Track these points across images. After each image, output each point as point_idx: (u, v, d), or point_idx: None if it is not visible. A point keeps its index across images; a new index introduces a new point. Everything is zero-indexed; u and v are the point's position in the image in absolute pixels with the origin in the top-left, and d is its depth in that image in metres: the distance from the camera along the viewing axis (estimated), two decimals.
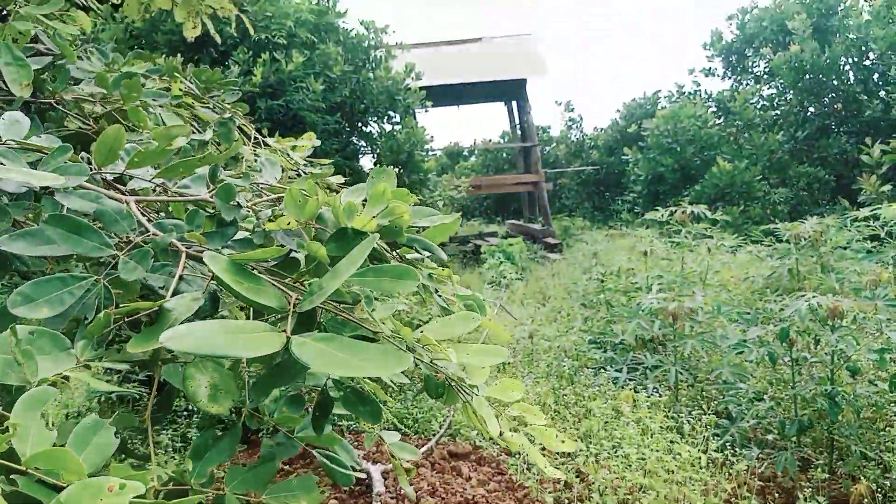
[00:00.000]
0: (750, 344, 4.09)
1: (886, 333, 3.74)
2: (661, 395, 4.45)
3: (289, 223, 1.13)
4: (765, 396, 4.38)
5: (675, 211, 6.18)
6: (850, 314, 3.94)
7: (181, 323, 0.93)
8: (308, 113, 8.98)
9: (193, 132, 2.34)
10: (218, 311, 1.06)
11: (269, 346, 0.84)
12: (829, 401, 3.80)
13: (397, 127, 10.83)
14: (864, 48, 14.39)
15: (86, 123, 1.68)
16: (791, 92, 15.80)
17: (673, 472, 3.40)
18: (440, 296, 1.27)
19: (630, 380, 5.05)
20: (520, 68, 20.25)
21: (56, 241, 0.99)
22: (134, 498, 0.64)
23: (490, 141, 30.09)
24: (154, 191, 1.40)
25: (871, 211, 5.46)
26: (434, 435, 4.53)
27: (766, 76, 17.64)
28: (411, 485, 3.46)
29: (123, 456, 1.27)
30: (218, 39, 2.91)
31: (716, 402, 4.53)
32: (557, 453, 3.98)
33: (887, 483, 3.56)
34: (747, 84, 18.13)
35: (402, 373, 1.71)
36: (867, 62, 14.65)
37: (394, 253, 1.29)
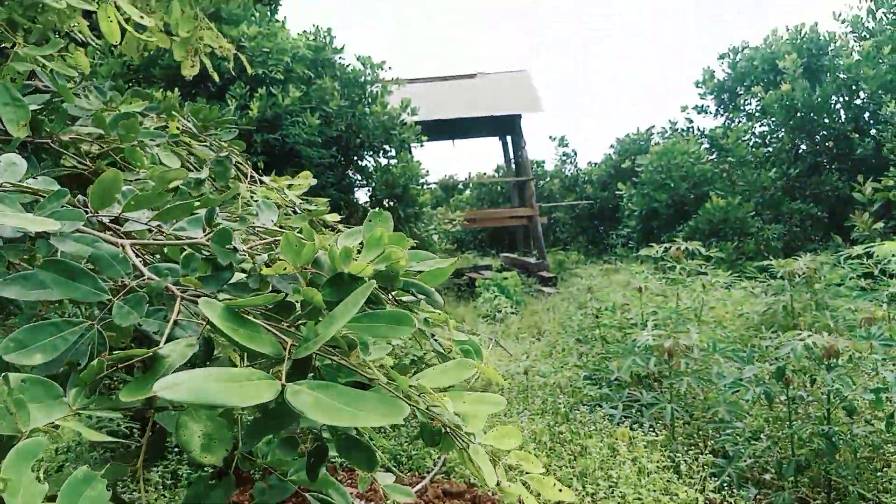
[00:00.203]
0: (746, 382, 4.07)
1: (882, 373, 3.73)
2: (657, 434, 4.42)
3: (285, 268, 1.12)
4: (761, 435, 4.36)
5: (670, 247, 6.20)
6: (845, 353, 3.94)
7: (175, 370, 0.92)
8: (304, 147, 9.03)
9: (191, 169, 2.35)
10: (212, 356, 1.05)
11: (263, 395, 0.84)
12: (826, 441, 3.77)
13: (393, 161, 10.89)
14: (854, 87, 14.58)
15: (82, 163, 1.68)
16: (783, 130, 15.97)
17: None
18: (437, 340, 1.27)
19: (626, 417, 5.02)
20: (514, 104, 20.46)
21: (50, 285, 0.98)
22: None
23: (485, 175, 30.29)
24: (150, 232, 1.40)
25: (865, 248, 5.49)
26: (428, 472, 4.47)
27: (757, 114, 17.84)
28: None
29: None
30: (216, 77, 2.93)
31: (712, 441, 4.50)
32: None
33: None
34: (739, 122, 18.33)
35: None
36: (858, 101, 14.84)
37: (389, 295, 1.29)
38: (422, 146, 11.79)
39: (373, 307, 1.25)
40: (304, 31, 10.37)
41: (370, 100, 10.61)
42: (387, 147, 10.97)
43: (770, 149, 16.91)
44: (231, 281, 1.18)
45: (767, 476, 4.15)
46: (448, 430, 1.07)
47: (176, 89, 7.91)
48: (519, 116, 20.66)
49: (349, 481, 4.43)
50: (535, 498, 1.08)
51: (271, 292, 1.19)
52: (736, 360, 4.37)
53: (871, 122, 14.36)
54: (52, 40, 1.69)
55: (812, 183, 15.13)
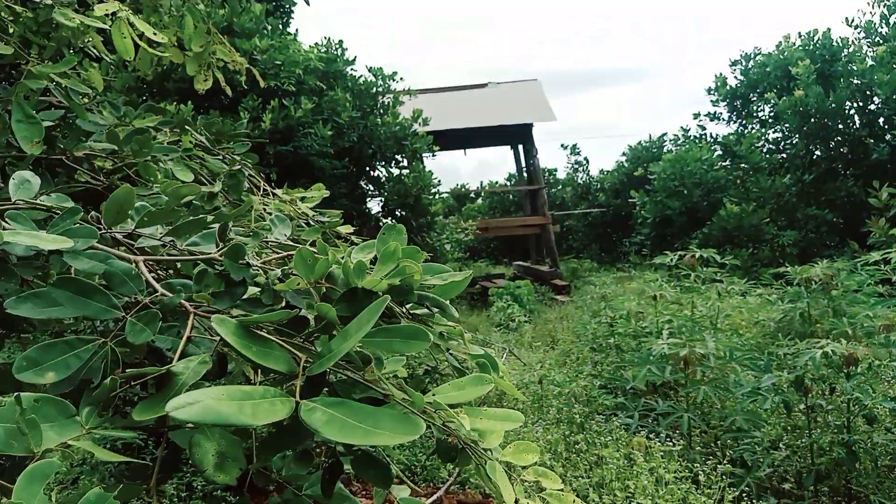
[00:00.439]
0: (764, 391, 4.03)
1: None
2: (673, 444, 4.37)
3: (298, 284, 1.12)
4: (780, 444, 4.30)
5: (684, 255, 6.17)
6: (864, 361, 3.89)
7: (189, 388, 0.91)
8: (316, 158, 9.06)
9: (205, 182, 2.35)
10: (226, 372, 1.04)
11: (277, 413, 0.83)
12: (846, 449, 3.72)
13: (405, 171, 10.89)
14: (868, 92, 14.48)
15: (96, 179, 1.69)
16: (796, 136, 15.87)
17: None
18: (452, 354, 1.25)
19: (642, 426, 4.97)
20: (526, 113, 20.46)
21: (63, 303, 0.98)
22: None
23: (497, 184, 30.31)
24: (164, 247, 1.39)
25: (882, 255, 5.43)
26: (443, 483, 4.45)
27: (771, 120, 17.74)
28: None
29: None
30: (229, 91, 2.94)
31: (730, 451, 4.45)
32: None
33: None
34: (753, 128, 18.23)
35: None
36: (872, 106, 14.73)
37: (403, 309, 1.28)
38: (434, 156, 11.80)
39: (387, 321, 1.24)
40: (316, 44, 10.43)
41: (382, 110, 10.63)
42: (399, 157, 10.99)
43: (784, 155, 16.82)
44: (244, 296, 1.18)
45: (787, 486, 4.09)
46: (464, 445, 1.06)
47: (189, 103, 7.98)
48: (530, 125, 20.65)
49: (364, 492, 4.41)
50: None
51: (285, 307, 1.19)
52: (753, 368, 4.32)
53: (886, 126, 14.25)
54: (66, 58, 1.70)
55: (827, 189, 15.02)
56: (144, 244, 1.28)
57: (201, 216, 1.25)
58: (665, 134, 23.50)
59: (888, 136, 13.70)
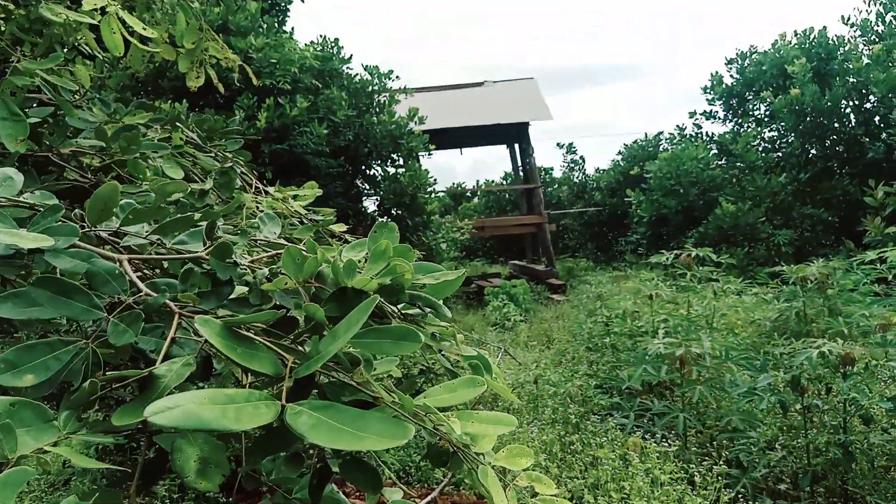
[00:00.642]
0: (760, 391, 4.01)
1: None
2: (669, 444, 4.36)
3: (286, 283, 1.09)
4: (776, 445, 4.29)
5: (680, 254, 6.15)
6: (861, 361, 3.87)
7: (171, 391, 0.88)
8: (312, 157, 9.02)
9: (196, 180, 2.32)
10: (212, 374, 1.01)
11: (262, 417, 0.80)
12: (843, 450, 3.71)
13: (401, 170, 10.87)
14: (864, 91, 14.48)
15: (84, 176, 1.66)
16: (792, 134, 15.86)
17: None
18: (444, 355, 1.23)
19: (637, 426, 4.96)
20: (522, 112, 20.42)
21: (43, 303, 0.95)
22: None
23: (493, 183, 30.29)
24: (152, 245, 1.37)
25: (878, 254, 5.42)
26: (437, 484, 4.42)
27: (766, 119, 17.74)
28: None
29: None
30: (222, 89, 2.91)
31: (726, 451, 4.43)
32: None
33: None
34: (748, 126, 18.23)
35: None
36: (868, 105, 14.73)
37: (395, 309, 1.25)
38: (430, 155, 11.77)
39: (378, 322, 1.21)
40: (312, 42, 10.40)
41: (378, 109, 10.61)
42: (395, 156, 10.97)
43: (780, 153, 16.81)
44: (232, 296, 1.15)
45: (783, 486, 4.08)
46: (456, 449, 1.03)
47: (184, 101, 7.93)
48: (527, 124, 20.63)
49: (357, 493, 4.39)
50: None
51: (273, 307, 1.16)
52: (749, 368, 4.30)
53: (882, 125, 14.25)
54: (52, 54, 1.66)
55: (822, 187, 15.02)
56: (130, 242, 1.25)
57: (189, 214, 1.23)
58: (661, 132, 23.49)
59: (884, 135, 13.69)
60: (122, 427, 0.84)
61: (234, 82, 3.78)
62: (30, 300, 0.95)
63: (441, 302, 1.29)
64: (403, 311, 1.28)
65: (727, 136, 17.95)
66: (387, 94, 10.82)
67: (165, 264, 1.30)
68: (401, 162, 11.05)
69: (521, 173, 23.56)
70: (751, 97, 18.29)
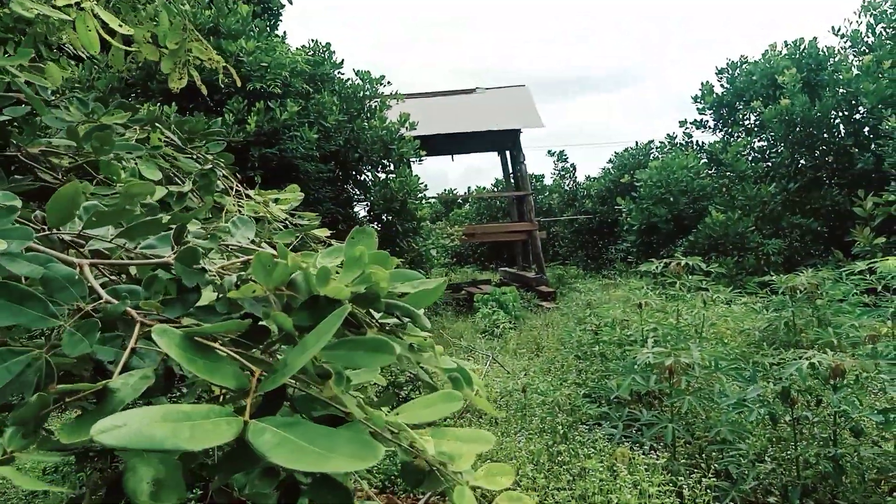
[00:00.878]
0: (749, 403, 3.97)
1: (890, 392, 3.63)
2: (658, 455, 4.31)
3: (254, 291, 1.03)
4: (766, 457, 4.25)
5: (670, 262, 6.12)
6: (851, 372, 3.84)
7: (126, 406, 0.83)
8: (302, 161, 8.95)
9: (177, 182, 2.26)
10: (173, 388, 0.96)
11: (220, 436, 0.74)
12: (833, 463, 3.67)
13: (391, 176, 10.82)
14: (854, 102, 14.54)
15: (55, 177, 1.60)
16: (782, 144, 15.91)
17: None
18: (423, 368, 1.17)
19: (626, 437, 4.91)
20: (514, 119, 20.41)
21: None
22: None
23: (484, 189, 30.27)
24: (121, 249, 1.31)
25: (867, 264, 5.41)
26: (423, 494, 4.36)
27: (756, 129, 17.80)
28: None
29: None
30: (204, 91, 2.85)
31: (715, 463, 4.39)
32: None
33: None
34: (738, 136, 18.28)
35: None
36: (858, 115, 14.79)
37: (371, 319, 1.20)
38: (420, 161, 11.73)
39: (355, 332, 1.16)
40: (303, 46, 10.35)
41: (369, 114, 10.56)
42: (385, 162, 10.92)
43: (769, 163, 16.86)
44: (199, 304, 1.09)
45: (772, 499, 4.03)
46: (432, 468, 0.98)
47: (173, 103, 7.86)
48: (518, 131, 20.62)
49: None
50: None
51: (243, 316, 1.10)
52: (738, 378, 4.27)
53: (872, 136, 14.30)
54: (21, 50, 1.61)
55: (812, 198, 15.06)
56: (96, 246, 1.19)
57: (157, 217, 1.17)
58: (651, 141, 23.51)
59: (873, 146, 13.74)
60: (69, 447, 0.78)
61: (224, 86, 3.72)
62: None
63: (421, 311, 1.23)
64: (381, 322, 1.23)
65: (717, 145, 17.99)
66: (378, 100, 10.77)
67: (133, 270, 1.24)
68: (392, 167, 11.01)
69: (513, 180, 23.53)
70: (741, 107, 18.35)
